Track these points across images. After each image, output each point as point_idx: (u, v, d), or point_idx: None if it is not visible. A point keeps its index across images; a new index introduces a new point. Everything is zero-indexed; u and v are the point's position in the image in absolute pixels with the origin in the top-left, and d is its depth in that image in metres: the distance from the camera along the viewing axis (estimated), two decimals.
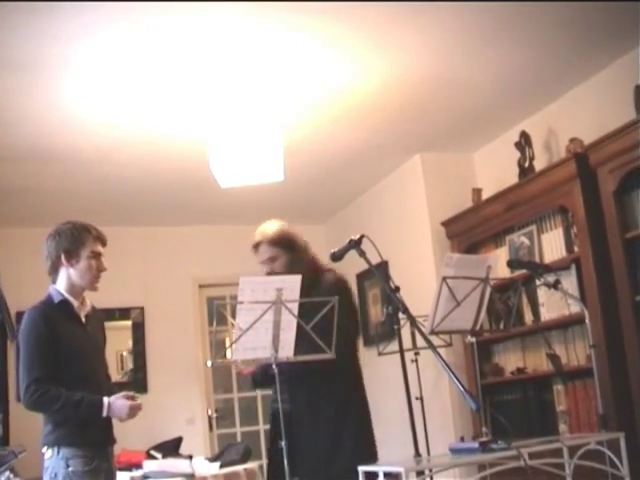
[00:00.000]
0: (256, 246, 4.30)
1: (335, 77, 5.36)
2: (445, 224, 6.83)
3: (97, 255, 3.96)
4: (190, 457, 5.54)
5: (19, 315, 7.54)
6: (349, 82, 5.46)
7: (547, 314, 5.74)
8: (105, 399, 3.77)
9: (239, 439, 8.29)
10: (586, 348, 5.22)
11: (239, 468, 5.70)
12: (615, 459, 3.74)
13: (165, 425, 7.52)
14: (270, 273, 4.08)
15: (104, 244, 4.03)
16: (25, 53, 4.58)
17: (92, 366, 3.95)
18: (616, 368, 5.00)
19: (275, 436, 3.88)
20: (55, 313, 3.88)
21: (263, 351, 3.39)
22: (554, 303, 5.63)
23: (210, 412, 8.40)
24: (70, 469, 3.72)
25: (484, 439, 3.36)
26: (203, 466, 5.65)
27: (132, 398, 3.83)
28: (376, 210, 7.86)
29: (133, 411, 3.80)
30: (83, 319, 3.98)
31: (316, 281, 3.97)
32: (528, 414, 5.93)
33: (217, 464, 5.72)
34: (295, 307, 3.37)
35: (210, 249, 8.65)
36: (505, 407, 6.11)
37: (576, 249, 5.44)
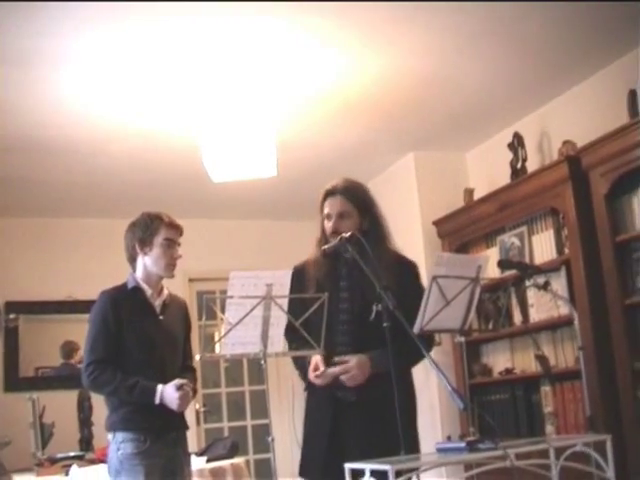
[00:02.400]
0: (329, 194, 3.87)
1: (328, 74, 5.35)
2: (436, 223, 6.83)
3: (170, 242, 4.10)
4: None
5: (8, 305, 7.60)
6: (342, 79, 5.46)
7: (536, 315, 5.75)
8: (159, 386, 3.87)
9: (226, 434, 8.28)
10: (574, 350, 5.23)
11: (226, 463, 5.68)
12: (601, 461, 3.74)
13: None
14: (334, 232, 3.74)
15: (179, 232, 4.16)
16: (21, 46, 4.59)
17: (158, 354, 4.03)
18: (604, 370, 5.01)
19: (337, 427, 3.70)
20: (126, 299, 4.05)
21: (252, 346, 3.38)
22: (543, 304, 5.65)
23: (198, 406, 8.39)
24: (120, 452, 3.87)
25: (471, 439, 3.36)
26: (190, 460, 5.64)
27: (181, 387, 3.88)
28: None
29: (182, 401, 3.87)
30: (157, 307, 4.11)
31: (400, 262, 3.79)
32: (515, 415, 5.93)
33: (204, 459, 5.71)
34: (285, 303, 3.36)
35: (201, 243, 8.61)
36: (493, 407, 6.12)
37: (566, 251, 5.45)
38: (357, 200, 3.84)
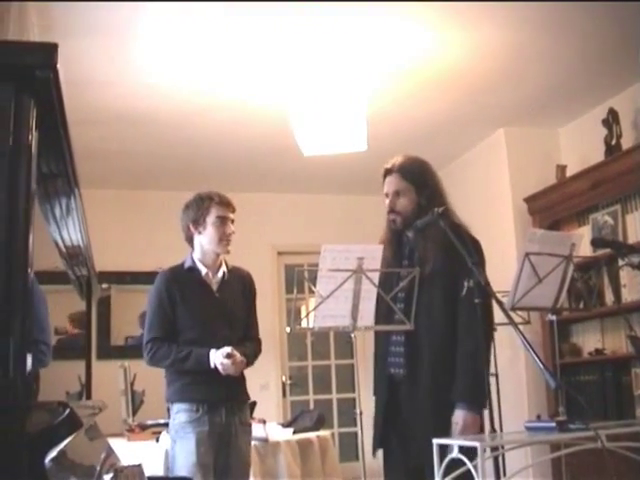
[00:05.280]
0: (387, 173, 3.82)
1: (417, 47, 5.31)
2: (527, 200, 6.75)
3: (223, 219, 4.22)
4: (264, 422, 5.60)
5: (101, 275, 7.77)
6: (431, 52, 5.41)
7: (629, 296, 5.65)
8: (212, 351, 4.02)
9: (312, 407, 8.35)
10: None
11: (312, 435, 5.74)
12: None
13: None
14: (390, 211, 3.76)
15: (230, 209, 4.27)
16: (109, 20, 4.67)
17: (212, 330, 4.15)
18: None
19: (392, 405, 3.66)
20: (182, 278, 4.23)
21: (342, 319, 3.39)
22: (637, 285, 5.54)
23: (284, 379, 8.47)
24: (175, 421, 4.09)
25: (561, 418, 3.33)
26: (277, 431, 5.70)
27: (229, 356, 4.00)
28: (458, 183, 7.76)
29: (226, 365, 3.99)
30: (214, 285, 4.25)
31: (462, 237, 3.53)
32: (604, 396, 5.85)
33: (290, 430, 5.77)
34: (376, 276, 3.36)
35: (290, 217, 8.69)
36: (581, 388, 6.04)
37: None
38: (413, 177, 3.78)
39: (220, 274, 4.28)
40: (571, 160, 6.68)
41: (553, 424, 3.23)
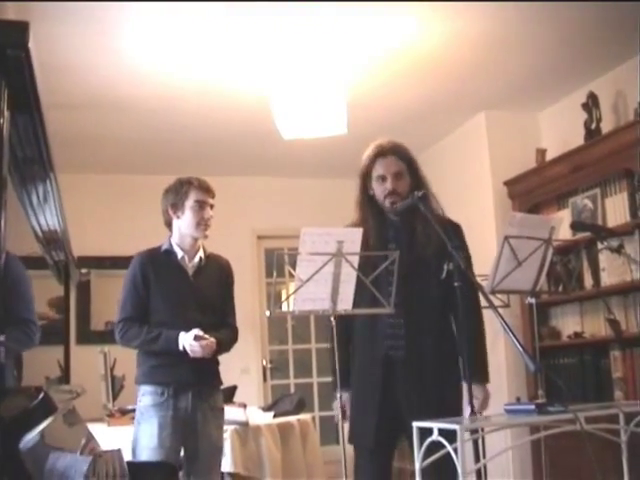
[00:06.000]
0: (379, 155, 3.80)
1: (399, 32, 5.29)
2: (507, 184, 6.76)
3: (202, 204, 4.23)
4: (244, 406, 5.60)
5: (80, 260, 7.73)
6: (412, 38, 5.39)
7: (608, 279, 5.67)
8: (182, 334, 4.02)
9: (292, 390, 8.36)
10: None
11: (293, 419, 5.75)
12: None
13: (220, 374, 7.60)
14: (392, 193, 3.74)
15: (210, 194, 4.29)
16: (89, 3, 4.62)
17: (184, 314, 4.16)
18: None
19: (388, 386, 3.70)
20: (158, 260, 4.25)
21: (322, 303, 3.38)
22: (616, 268, 5.56)
23: (265, 363, 8.48)
24: (141, 404, 4.11)
25: (540, 401, 3.34)
26: (257, 415, 5.71)
27: (197, 337, 4.00)
28: (438, 167, 7.77)
29: (196, 347, 3.99)
30: (190, 269, 4.26)
31: (447, 223, 3.68)
32: (583, 379, 5.88)
33: (271, 414, 5.78)
34: (355, 260, 3.35)
35: (270, 201, 8.67)
36: (560, 371, 6.07)
37: None
38: (407, 159, 3.84)
39: (197, 259, 4.30)
40: (551, 144, 6.69)
41: (532, 407, 3.24)
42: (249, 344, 8.27)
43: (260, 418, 5.63)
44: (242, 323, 8.46)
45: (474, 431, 3.03)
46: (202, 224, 4.22)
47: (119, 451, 2.25)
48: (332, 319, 3.43)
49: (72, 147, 6.97)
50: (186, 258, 4.26)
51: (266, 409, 6.06)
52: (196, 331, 4.01)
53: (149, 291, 4.17)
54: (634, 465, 3.31)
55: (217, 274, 4.37)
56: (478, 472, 3.26)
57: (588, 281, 5.89)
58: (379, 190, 3.80)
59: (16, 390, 1.71)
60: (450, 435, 2.81)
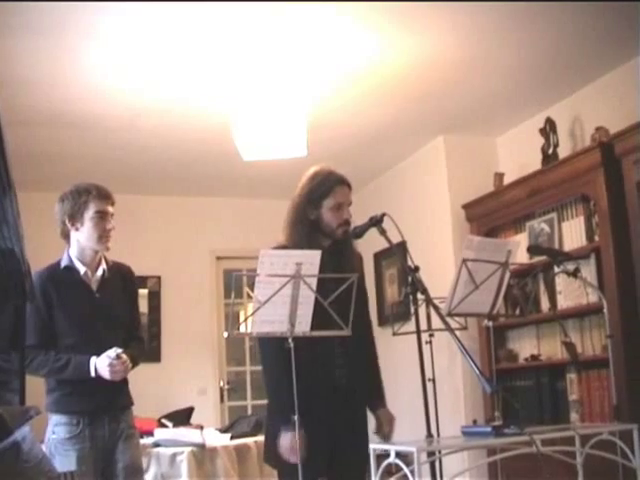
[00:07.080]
0: (340, 183, 3.79)
1: (361, 54, 5.32)
2: (466, 207, 6.81)
3: (102, 214, 3.92)
4: (201, 427, 5.56)
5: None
6: (375, 59, 5.42)
7: (564, 302, 5.71)
8: (93, 359, 3.75)
9: (250, 412, 8.32)
10: (602, 338, 5.21)
11: (250, 440, 5.71)
12: (627, 450, 3.74)
13: (177, 395, 7.56)
14: (347, 221, 3.73)
15: (110, 202, 3.98)
16: (52, 18, 4.58)
17: (93, 333, 3.88)
18: (632, 359, 4.98)
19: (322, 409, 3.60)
20: (58, 278, 3.90)
21: (280, 325, 3.37)
22: (572, 292, 5.61)
23: (222, 384, 8.44)
24: (54, 436, 3.77)
25: (497, 423, 3.36)
26: (214, 437, 5.67)
27: (118, 357, 3.75)
28: (397, 189, 7.85)
29: (113, 368, 3.73)
30: (94, 284, 3.96)
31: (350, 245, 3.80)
32: (540, 401, 5.91)
33: (228, 435, 5.75)
34: (314, 282, 3.35)
35: (229, 222, 8.66)
36: (517, 393, 6.10)
37: (597, 238, 5.41)
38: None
39: (100, 272, 3.99)
40: (509, 168, 6.75)
41: (489, 429, 3.27)
42: (207, 365, 8.25)
43: (217, 440, 5.60)
44: (200, 344, 8.45)
45: (431, 453, 3.04)
46: (104, 236, 3.92)
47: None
48: (290, 341, 3.41)
49: (33, 165, 6.94)
50: (89, 273, 3.95)
51: (223, 430, 6.02)
52: (112, 352, 3.75)
53: (53, 313, 3.83)
54: None
55: (121, 285, 4.09)
56: None
57: (545, 304, 5.93)
58: (331, 217, 3.74)
59: None
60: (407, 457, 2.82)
